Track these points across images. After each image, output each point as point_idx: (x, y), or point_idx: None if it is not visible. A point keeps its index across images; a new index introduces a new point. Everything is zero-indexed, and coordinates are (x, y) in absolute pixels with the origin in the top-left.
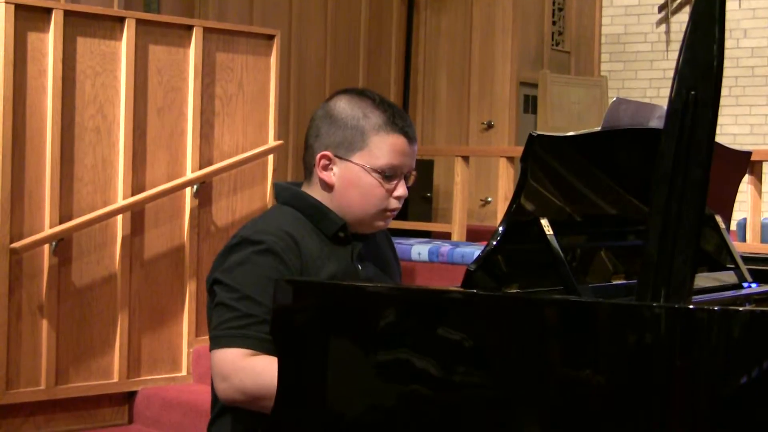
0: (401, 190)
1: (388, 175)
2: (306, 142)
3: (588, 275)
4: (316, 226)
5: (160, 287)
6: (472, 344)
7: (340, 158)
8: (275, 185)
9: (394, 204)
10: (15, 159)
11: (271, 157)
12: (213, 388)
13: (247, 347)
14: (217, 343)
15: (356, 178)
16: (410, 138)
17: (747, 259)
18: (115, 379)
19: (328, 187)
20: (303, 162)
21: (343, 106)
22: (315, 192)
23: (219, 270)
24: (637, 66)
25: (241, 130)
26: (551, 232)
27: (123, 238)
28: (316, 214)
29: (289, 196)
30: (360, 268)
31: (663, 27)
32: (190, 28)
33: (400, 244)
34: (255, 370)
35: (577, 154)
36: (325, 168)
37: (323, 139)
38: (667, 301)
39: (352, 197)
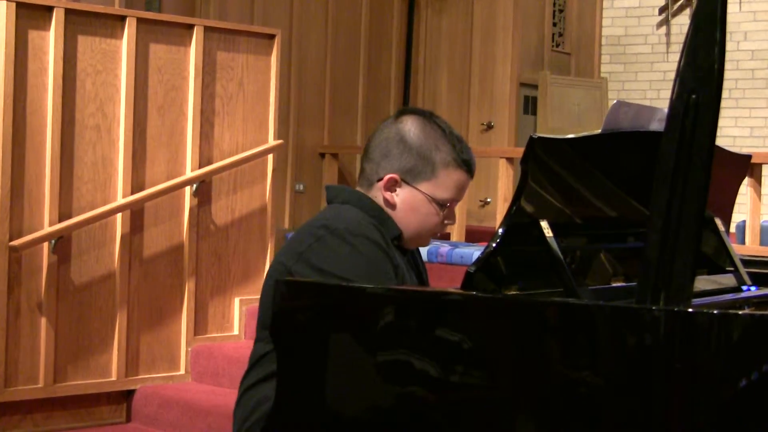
0: (453, 218)
1: (446, 207)
2: (368, 155)
3: (588, 277)
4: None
5: (159, 286)
6: (471, 346)
7: (407, 183)
8: (329, 187)
9: (443, 228)
10: (15, 156)
11: (270, 157)
12: (253, 359)
13: None
14: None
15: (419, 204)
16: (472, 174)
17: (746, 262)
18: (114, 378)
19: (390, 205)
20: (361, 171)
21: (417, 132)
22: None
23: (319, 259)
24: (637, 68)
25: (241, 129)
26: (551, 234)
27: (122, 236)
28: (379, 217)
29: (348, 195)
30: (408, 275)
31: (663, 29)
32: (190, 27)
33: None
34: None
35: (577, 156)
36: (391, 189)
37: (393, 162)
38: (667, 304)
39: (411, 219)
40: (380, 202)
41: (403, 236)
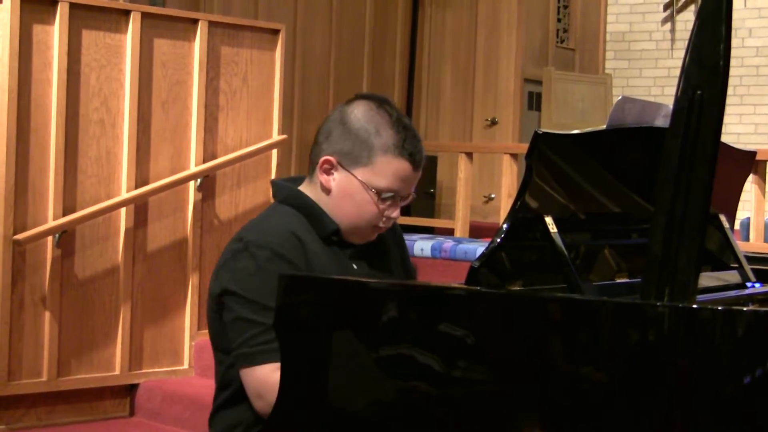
0: (395, 212)
1: (384, 196)
2: (316, 138)
3: (592, 273)
4: (311, 226)
5: (163, 280)
6: (474, 341)
7: (343, 167)
8: (273, 183)
9: (385, 223)
10: (19, 151)
11: (274, 152)
12: (217, 381)
13: (279, 360)
14: (248, 360)
15: (353, 190)
16: (416, 164)
17: (750, 259)
18: (117, 372)
19: (326, 190)
20: (309, 156)
21: (359, 115)
22: (313, 190)
23: (228, 279)
24: (641, 64)
25: (245, 124)
26: (555, 230)
27: (126, 230)
28: (312, 215)
29: (286, 195)
30: (355, 267)
31: (668, 25)
32: (195, 21)
33: None
34: None
35: (582, 152)
36: (327, 172)
37: (332, 144)
38: (671, 300)
39: (345, 207)
40: (319, 189)
41: (341, 230)
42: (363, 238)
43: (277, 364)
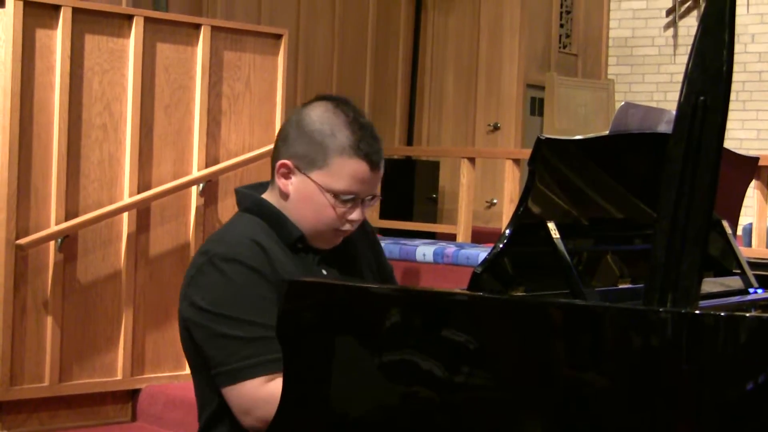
0: (355, 214)
1: (343, 199)
2: (275, 142)
3: (594, 279)
4: (276, 234)
5: (165, 285)
6: (477, 346)
7: (300, 171)
8: (237, 192)
9: (346, 226)
10: (22, 155)
11: (271, 158)
12: (198, 402)
13: (264, 373)
14: (231, 378)
15: (311, 194)
16: (374, 165)
17: (753, 265)
18: (119, 377)
19: (284, 194)
20: (271, 162)
21: (314, 117)
22: (274, 197)
23: (197, 296)
24: (644, 70)
25: (248, 129)
26: (558, 236)
27: (128, 235)
28: (276, 223)
29: (249, 203)
30: (325, 273)
31: (671, 31)
32: (197, 26)
33: (405, 245)
34: (272, 400)
35: (584, 157)
36: (284, 176)
37: (289, 147)
38: (674, 305)
39: (305, 211)
40: (278, 195)
41: (305, 235)
42: (327, 243)
43: (263, 378)
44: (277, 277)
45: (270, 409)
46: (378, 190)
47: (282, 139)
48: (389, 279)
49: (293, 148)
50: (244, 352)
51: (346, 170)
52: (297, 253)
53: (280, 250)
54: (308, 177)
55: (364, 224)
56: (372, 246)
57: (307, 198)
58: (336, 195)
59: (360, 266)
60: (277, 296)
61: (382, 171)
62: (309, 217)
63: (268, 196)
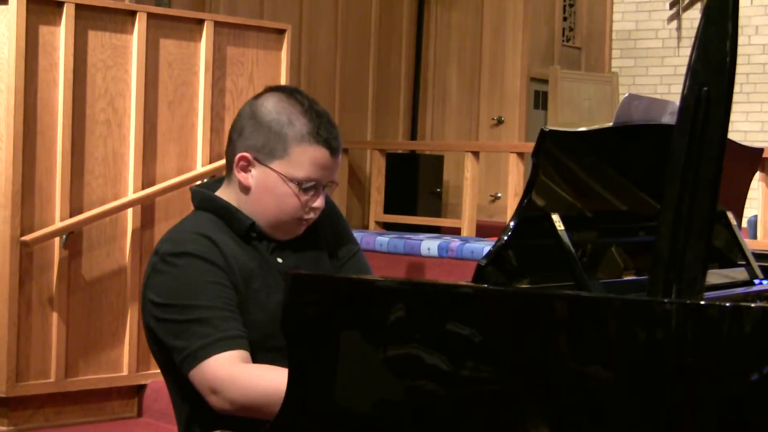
0: (318, 202)
1: (305, 186)
2: (229, 136)
3: (599, 271)
4: (229, 227)
5: None
6: (482, 339)
7: (260, 162)
8: (191, 189)
9: (310, 215)
10: (26, 152)
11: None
12: (175, 408)
13: (223, 350)
14: (193, 359)
15: (273, 185)
16: (333, 150)
17: (758, 256)
18: (125, 372)
19: (244, 188)
20: (225, 155)
21: (269, 107)
22: (231, 192)
23: (152, 294)
24: (648, 62)
25: None
26: (562, 228)
27: (133, 231)
28: (226, 215)
29: (200, 200)
30: (280, 260)
31: (674, 23)
32: (201, 22)
33: (410, 239)
34: (237, 379)
35: (588, 149)
36: (244, 169)
37: (245, 140)
38: (679, 297)
39: (267, 203)
40: (237, 189)
41: (258, 225)
42: (289, 234)
43: (225, 354)
44: (230, 267)
45: (233, 391)
46: (336, 177)
47: (237, 132)
48: (352, 250)
49: (250, 141)
50: (201, 332)
51: (307, 157)
52: (250, 243)
53: (232, 242)
54: (269, 167)
55: (330, 205)
56: (332, 225)
57: (268, 189)
58: (299, 183)
59: (316, 246)
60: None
61: (340, 158)
62: (272, 209)
63: (223, 191)
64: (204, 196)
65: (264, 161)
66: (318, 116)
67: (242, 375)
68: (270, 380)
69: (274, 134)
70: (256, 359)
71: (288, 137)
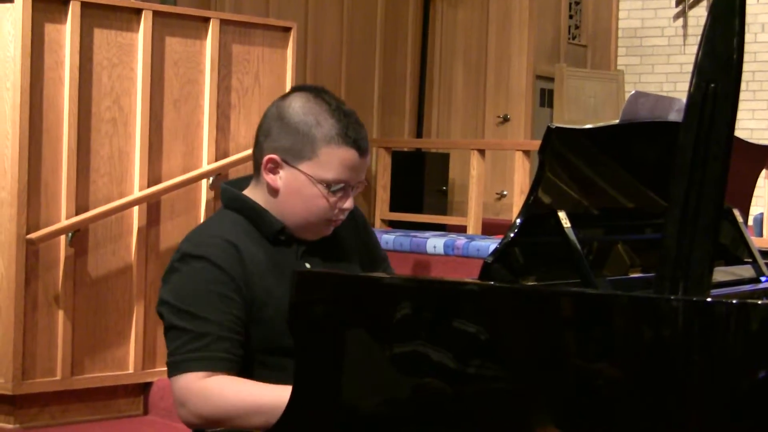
0: (347, 203)
1: (334, 188)
2: (256, 138)
3: (605, 268)
4: (257, 229)
5: None
6: (488, 337)
7: (288, 164)
8: (220, 186)
9: (339, 216)
10: (32, 150)
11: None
12: None
13: (204, 369)
14: (175, 368)
15: (301, 186)
16: (362, 151)
17: (764, 254)
18: (131, 370)
19: (272, 190)
20: (252, 157)
21: (296, 108)
22: (259, 192)
23: (164, 291)
24: (653, 60)
25: (257, 122)
26: (569, 225)
27: (139, 229)
28: (255, 217)
29: (228, 199)
30: (308, 265)
31: (680, 21)
32: (206, 20)
33: (416, 237)
34: (206, 393)
35: (595, 146)
36: (272, 171)
37: (272, 142)
38: (686, 294)
39: (295, 205)
40: (265, 191)
41: (288, 228)
42: (317, 234)
43: (201, 374)
44: (247, 278)
45: (201, 404)
46: (364, 177)
47: (264, 133)
48: (382, 266)
49: (278, 142)
50: (190, 345)
51: (336, 159)
52: (278, 246)
53: (258, 247)
54: (297, 169)
55: (351, 211)
56: (360, 233)
57: (297, 191)
58: (327, 185)
59: (346, 255)
60: (241, 297)
61: (369, 158)
62: (300, 210)
63: (251, 192)
64: (233, 195)
65: (292, 163)
66: (346, 116)
67: (213, 389)
68: (237, 392)
69: (302, 136)
70: (270, 362)
71: (316, 138)
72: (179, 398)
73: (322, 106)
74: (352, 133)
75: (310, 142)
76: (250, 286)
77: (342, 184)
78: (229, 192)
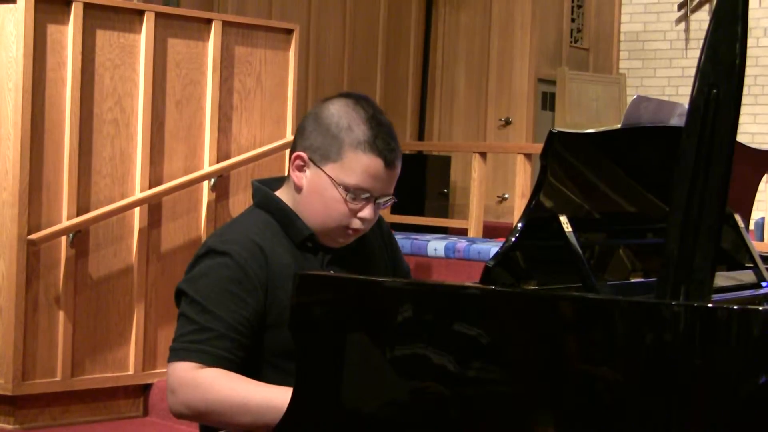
0: (368, 212)
1: (355, 195)
2: (294, 136)
3: (607, 273)
4: (285, 231)
5: (177, 280)
6: (489, 340)
7: (314, 163)
8: (252, 184)
9: (357, 224)
10: (33, 151)
11: (288, 152)
12: None
13: (200, 362)
14: (173, 355)
15: (322, 187)
16: (388, 162)
17: (765, 258)
18: (131, 371)
19: (297, 188)
20: (289, 155)
21: (333, 111)
22: (289, 191)
23: (184, 281)
24: (655, 64)
25: (259, 124)
26: (570, 229)
27: (140, 230)
28: (285, 220)
29: (260, 198)
30: (333, 273)
31: (682, 25)
32: (209, 21)
33: (417, 240)
34: (197, 383)
35: (597, 151)
36: (299, 168)
37: (304, 140)
38: (687, 299)
39: (315, 205)
40: (293, 189)
41: (316, 236)
42: (334, 241)
43: (195, 364)
44: (269, 281)
45: (191, 393)
46: (392, 191)
47: (299, 131)
48: (406, 278)
49: (309, 141)
50: (193, 336)
51: (360, 165)
52: (305, 252)
53: (284, 250)
54: (321, 169)
55: (379, 223)
56: (387, 244)
57: (318, 191)
58: (348, 189)
59: (373, 266)
60: (257, 300)
61: (398, 171)
62: (319, 212)
63: (282, 191)
64: (265, 195)
65: (318, 162)
66: (379, 126)
67: (204, 380)
68: (227, 387)
69: (331, 137)
70: (283, 366)
71: (344, 142)
72: (171, 384)
73: (358, 112)
74: (381, 143)
75: (338, 144)
76: (272, 288)
77: (364, 193)
78: (261, 191)
